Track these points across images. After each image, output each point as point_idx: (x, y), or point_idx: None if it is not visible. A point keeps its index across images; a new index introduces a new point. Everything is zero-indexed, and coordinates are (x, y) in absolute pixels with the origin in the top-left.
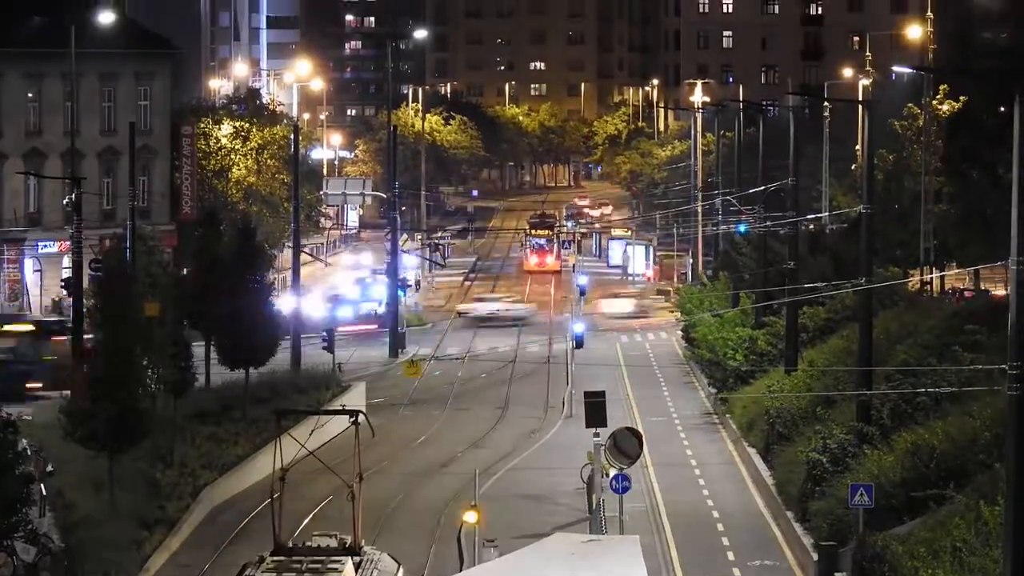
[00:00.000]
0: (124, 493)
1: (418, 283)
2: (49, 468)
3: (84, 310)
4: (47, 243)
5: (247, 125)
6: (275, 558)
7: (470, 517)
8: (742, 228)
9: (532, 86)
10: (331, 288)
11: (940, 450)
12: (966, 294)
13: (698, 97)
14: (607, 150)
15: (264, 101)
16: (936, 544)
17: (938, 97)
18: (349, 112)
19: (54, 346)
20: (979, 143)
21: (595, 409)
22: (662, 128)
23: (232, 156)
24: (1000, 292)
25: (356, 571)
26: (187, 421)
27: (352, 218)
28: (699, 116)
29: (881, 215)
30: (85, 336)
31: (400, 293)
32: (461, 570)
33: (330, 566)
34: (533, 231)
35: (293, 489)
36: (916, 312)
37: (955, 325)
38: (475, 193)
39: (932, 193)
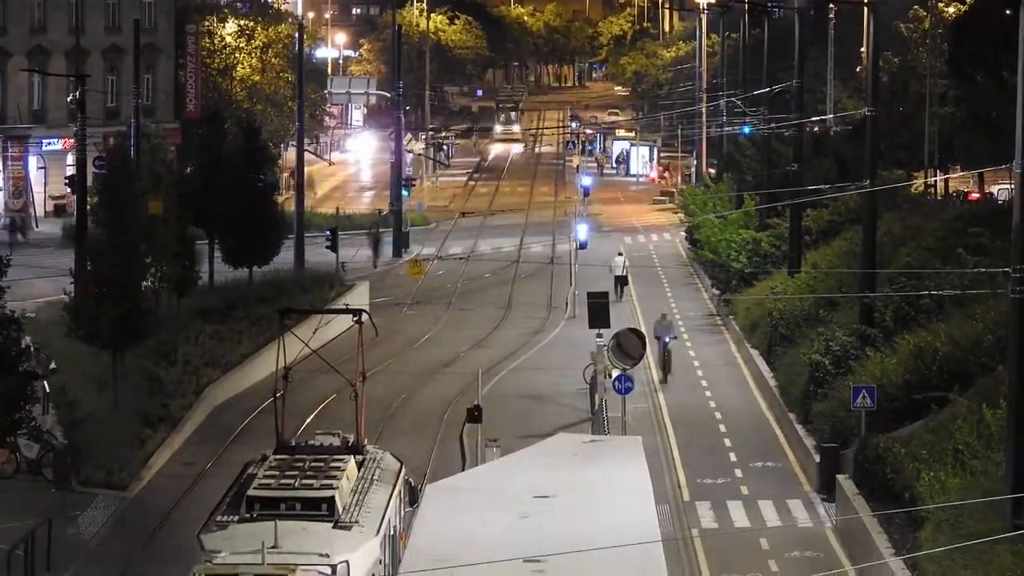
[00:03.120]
0: (127, 391)
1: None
2: (52, 365)
3: (88, 208)
4: (51, 140)
5: (252, 23)
6: (278, 456)
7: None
8: (746, 130)
9: None
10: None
11: (943, 353)
12: (970, 196)
13: None
14: (612, 51)
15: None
16: (938, 446)
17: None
18: (354, 11)
19: None
20: (985, 46)
21: (598, 310)
22: (667, 29)
23: (237, 55)
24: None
25: (359, 469)
26: (190, 319)
27: (356, 117)
28: (704, 17)
29: (886, 118)
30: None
31: (403, 192)
32: (463, 470)
33: (333, 464)
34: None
35: (296, 388)
36: (920, 215)
37: (959, 228)
38: (480, 93)
39: (937, 96)
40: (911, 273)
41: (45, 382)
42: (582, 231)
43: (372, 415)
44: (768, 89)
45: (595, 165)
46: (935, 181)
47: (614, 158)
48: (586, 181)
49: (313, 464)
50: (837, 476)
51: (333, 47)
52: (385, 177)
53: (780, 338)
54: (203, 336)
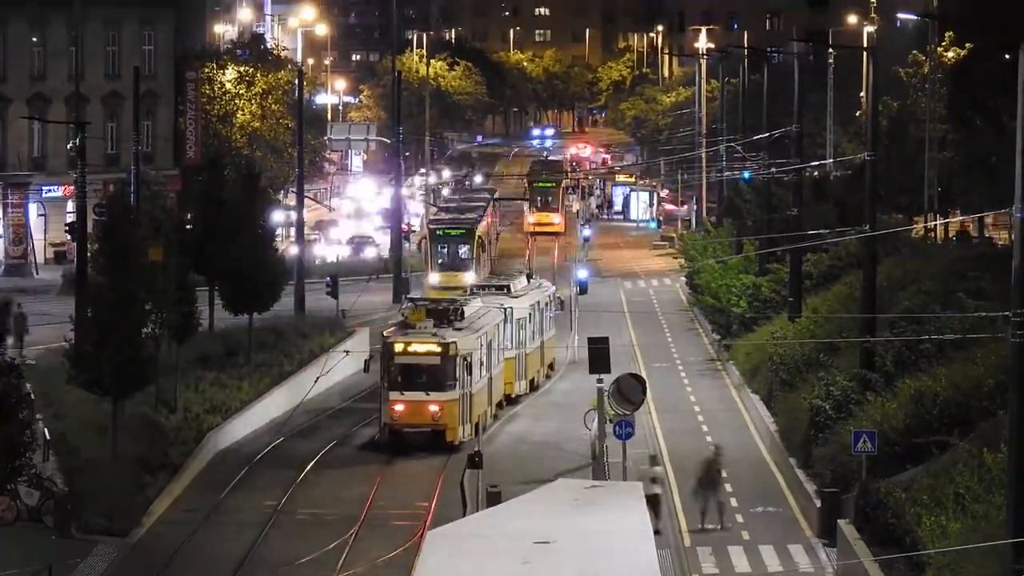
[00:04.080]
0: (128, 438)
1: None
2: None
3: (88, 255)
4: (51, 187)
5: (251, 70)
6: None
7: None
8: (746, 175)
9: (537, 32)
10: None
11: (943, 397)
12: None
13: (703, 43)
14: (612, 96)
15: (268, 46)
16: (939, 491)
17: (943, 44)
18: (354, 57)
19: None
20: (984, 90)
21: (599, 355)
22: (667, 74)
23: (236, 101)
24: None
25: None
26: (191, 366)
27: (356, 163)
28: (704, 62)
29: (885, 162)
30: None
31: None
32: (464, 515)
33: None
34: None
35: (298, 432)
36: (919, 259)
37: (959, 272)
38: (479, 139)
39: (936, 140)
40: (911, 317)
41: (45, 429)
42: (582, 275)
43: (373, 459)
44: (768, 134)
45: (596, 210)
46: (935, 225)
47: (614, 206)
48: (586, 232)
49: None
50: (838, 521)
51: (333, 93)
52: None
53: (781, 383)
54: (203, 383)
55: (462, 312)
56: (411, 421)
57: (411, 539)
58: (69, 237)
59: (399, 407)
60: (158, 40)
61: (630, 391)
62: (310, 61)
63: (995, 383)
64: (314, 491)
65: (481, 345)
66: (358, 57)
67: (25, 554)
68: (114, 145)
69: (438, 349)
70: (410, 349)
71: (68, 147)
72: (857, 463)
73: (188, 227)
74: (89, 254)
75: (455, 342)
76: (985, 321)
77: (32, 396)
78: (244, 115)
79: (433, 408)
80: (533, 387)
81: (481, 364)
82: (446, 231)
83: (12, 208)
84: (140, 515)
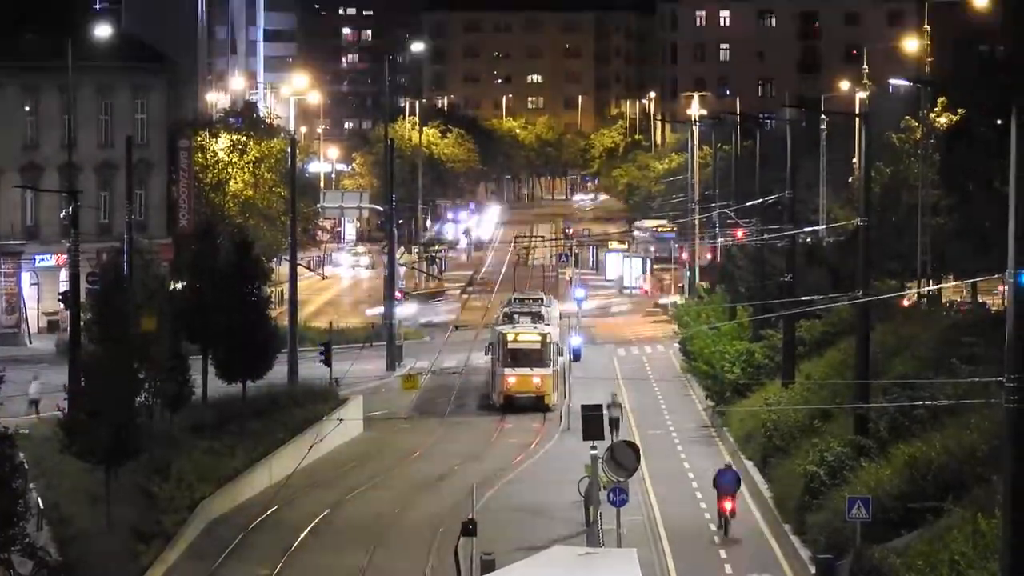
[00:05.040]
0: (121, 506)
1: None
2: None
3: (81, 323)
4: (44, 256)
5: (244, 138)
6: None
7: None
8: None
9: (529, 99)
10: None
11: (937, 463)
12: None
13: (695, 110)
14: (604, 163)
15: (261, 114)
16: (934, 557)
17: (935, 110)
18: (346, 125)
19: None
20: (976, 156)
21: (593, 422)
22: (659, 141)
23: (229, 169)
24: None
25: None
26: (184, 434)
27: (349, 231)
28: (696, 129)
29: (878, 228)
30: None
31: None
32: None
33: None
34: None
35: (293, 501)
36: (913, 325)
37: (952, 337)
38: (472, 206)
39: (929, 206)
40: (905, 383)
41: (39, 498)
42: (576, 342)
43: (366, 528)
44: (761, 200)
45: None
46: (928, 291)
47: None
48: (579, 294)
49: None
50: None
51: (326, 161)
52: (379, 291)
53: (775, 449)
54: (197, 451)
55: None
56: (520, 390)
57: None
58: (62, 306)
59: (511, 379)
60: (151, 108)
61: (624, 458)
62: (303, 129)
63: (989, 449)
64: (309, 560)
65: (558, 338)
66: (351, 125)
67: None
68: (107, 214)
69: (538, 338)
70: (519, 338)
71: (61, 216)
72: (852, 529)
73: (181, 296)
74: (82, 323)
75: (550, 332)
76: (978, 387)
77: (25, 465)
78: (237, 183)
79: (536, 380)
80: (548, 407)
81: (560, 352)
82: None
83: (5, 277)
84: None
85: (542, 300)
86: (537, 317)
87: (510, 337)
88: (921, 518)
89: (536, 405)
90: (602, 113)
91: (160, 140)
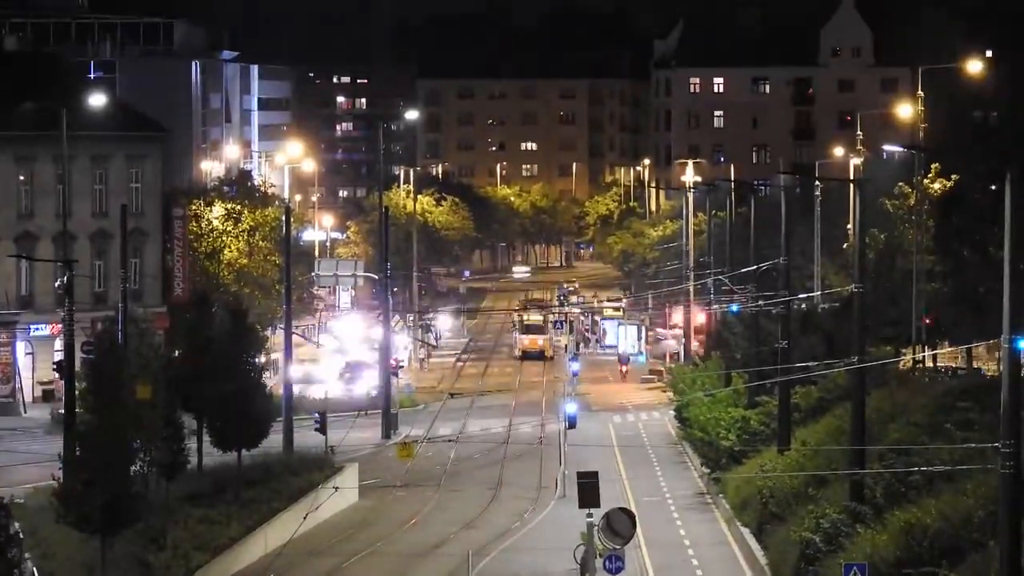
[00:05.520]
0: None
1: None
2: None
3: (76, 393)
4: (39, 325)
5: (239, 207)
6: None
7: None
8: (734, 308)
9: (523, 166)
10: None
11: (934, 529)
12: (958, 372)
13: (689, 177)
14: (599, 230)
15: (255, 183)
16: None
17: (929, 176)
18: (341, 193)
19: None
20: (971, 222)
21: (588, 489)
22: (654, 208)
23: (224, 238)
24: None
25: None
26: (179, 503)
27: (344, 299)
28: (691, 196)
29: (873, 293)
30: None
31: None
32: None
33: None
34: (526, 316)
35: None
36: (908, 391)
37: (947, 403)
38: (467, 274)
39: (924, 271)
40: (901, 449)
41: (34, 568)
42: (571, 409)
43: None
44: (755, 267)
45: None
46: (923, 357)
47: (603, 340)
48: (575, 366)
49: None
50: None
51: (320, 229)
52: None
53: (771, 516)
54: (192, 520)
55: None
56: (530, 348)
57: None
58: (57, 375)
59: (527, 341)
60: (145, 177)
61: (620, 525)
62: (297, 197)
63: (985, 514)
64: None
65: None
66: (345, 193)
67: None
68: (102, 283)
69: (540, 319)
70: (530, 318)
71: (56, 285)
72: None
73: (176, 364)
74: (77, 392)
75: (547, 315)
76: (974, 452)
77: (21, 535)
78: (231, 252)
79: (540, 341)
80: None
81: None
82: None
83: (0, 346)
84: None
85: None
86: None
87: (525, 319)
88: None
89: (540, 357)
90: (597, 180)
91: (155, 209)
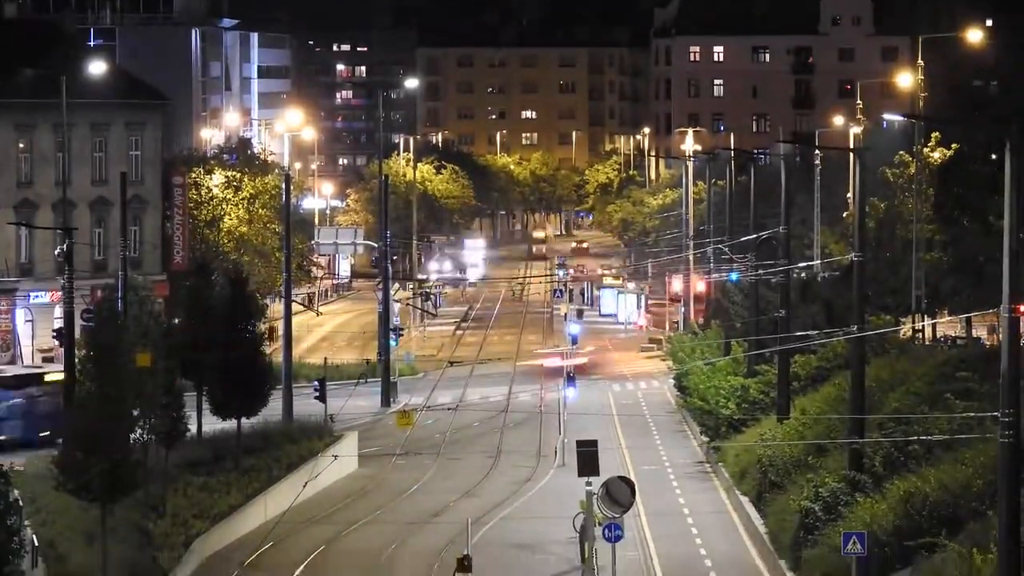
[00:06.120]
0: (116, 544)
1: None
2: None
3: (75, 360)
4: (39, 293)
5: (238, 175)
6: None
7: None
8: (734, 276)
9: (523, 135)
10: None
11: (933, 498)
12: (958, 341)
13: (689, 145)
14: (599, 199)
15: (255, 151)
16: None
17: (929, 145)
18: (340, 161)
19: None
20: (970, 190)
21: (588, 458)
22: (653, 177)
23: (223, 206)
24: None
25: None
26: (179, 471)
27: (344, 267)
28: (690, 164)
29: (872, 263)
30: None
31: (391, 343)
32: None
33: None
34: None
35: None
36: (908, 360)
37: (947, 372)
38: (466, 242)
39: (923, 241)
40: (900, 418)
41: (34, 536)
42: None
43: (362, 565)
44: (755, 235)
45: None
46: (923, 326)
47: (602, 308)
48: (574, 329)
49: None
50: None
51: (320, 197)
52: (373, 327)
53: (770, 485)
54: (191, 488)
55: None
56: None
57: None
58: (57, 343)
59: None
60: (145, 145)
61: (619, 493)
62: (297, 165)
63: (984, 483)
64: None
65: None
66: (345, 161)
67: None
68: (101, 251)
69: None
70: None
71: (55, 253)
72: (847, 565)
73: (176, 332)
74: (77, 360)
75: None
76: (973, 422)
77: (20, 503)
78: (231, 220)
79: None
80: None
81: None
82: None
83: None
84: None
85: None
86: None
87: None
88: (917, 553)
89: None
90: (596, 149)
91: (154, 177)
